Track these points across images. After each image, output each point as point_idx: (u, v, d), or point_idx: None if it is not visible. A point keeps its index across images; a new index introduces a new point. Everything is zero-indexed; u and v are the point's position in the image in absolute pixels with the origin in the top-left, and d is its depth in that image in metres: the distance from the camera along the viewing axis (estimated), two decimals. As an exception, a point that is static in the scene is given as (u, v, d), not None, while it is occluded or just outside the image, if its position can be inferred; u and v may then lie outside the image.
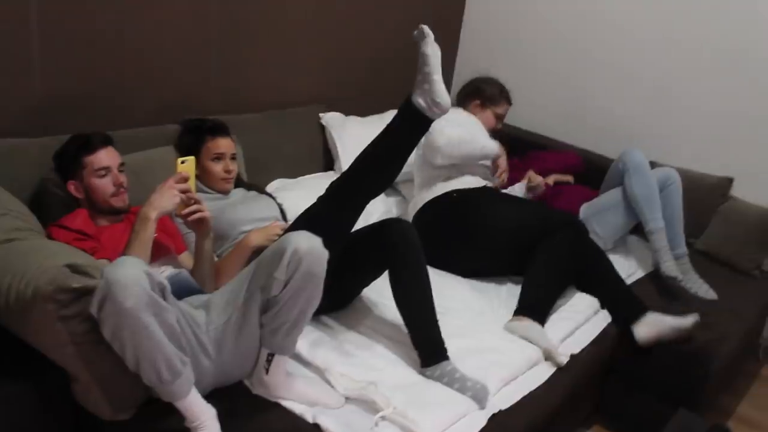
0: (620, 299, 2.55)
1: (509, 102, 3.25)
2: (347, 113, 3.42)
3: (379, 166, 2.09)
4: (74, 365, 1.56)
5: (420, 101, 2.02)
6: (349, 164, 2.13)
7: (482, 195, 2.77)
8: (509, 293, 2.57)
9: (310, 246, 1.66)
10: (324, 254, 1.69)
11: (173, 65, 2.66)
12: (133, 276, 1.42)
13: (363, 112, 3.46)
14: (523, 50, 3.97)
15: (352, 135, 3.22)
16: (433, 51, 2.01)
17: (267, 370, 1.77)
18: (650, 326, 2.44)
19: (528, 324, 2.28)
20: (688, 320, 2.39)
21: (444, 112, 2.02)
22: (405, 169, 2.18)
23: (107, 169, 2.01)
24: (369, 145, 2.10)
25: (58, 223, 1.93)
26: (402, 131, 2.08)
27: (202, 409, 1.60)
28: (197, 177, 2.20)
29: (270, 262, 1.68)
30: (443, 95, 1.99)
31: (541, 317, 2.34)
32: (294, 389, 1.80)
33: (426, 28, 2.03)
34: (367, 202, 2.10)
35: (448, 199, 2.75)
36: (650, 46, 3.48)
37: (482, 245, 2.63)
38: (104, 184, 2.01)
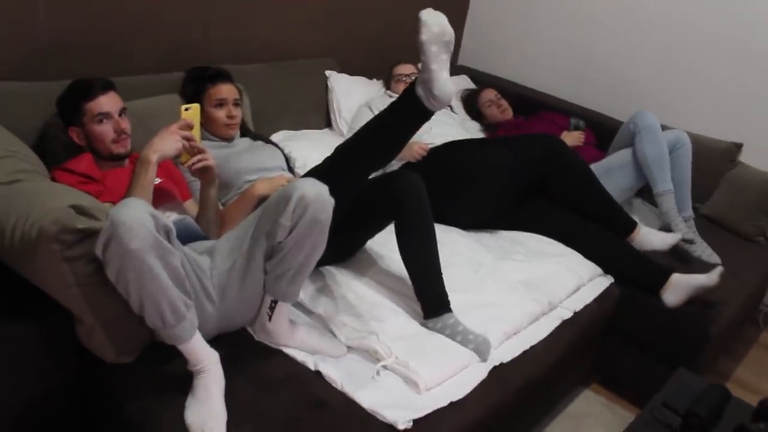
0: (641, 268, 2.54)
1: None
2: (356, 69, 3.38)
3: (378, 146, 2.03)
4: (78, 307, 1.56)
5: (420, 90, 1.89)
6: (354, 131, 2.10)
7: (453, 146, 2.78)
8: (513, 243, 2.59)
9: (317, 193, 1.65)
10: (330, 201, 1.68)
11: (180, 12, 2.63)
12: (138, 217, 1.41)
13: (372, 68, 3.41)
14: (534, 10, 3.91)
15: (354, 99, 3.22)
16: (428, 38, 1.85)
17: (270, 317, 1.77)
18: (678, 289, 2.43)
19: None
20: (713, 276, 2.40)
21: (443, 104, 1.89)
22: None
23: (107, 115, 1.97)
24: (374, 118, 2.05)
25: (63, 166, 1.92)
26: (402, 116, 1.97)
27: (206, 353, 1.61)
28: (202, 125, 2.18)
29: (276, 208, 1.67)
30: (442, 87, 1.85)
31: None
32: (296, 337, 1.81)
33: (423, 14, 1.88)
34: (370, 173, 2.07)
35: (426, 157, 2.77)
36: (662, 9, 3.43)
37: (469, 195, 2.63)
38: (105, 131, 1.98)
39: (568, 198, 2.66)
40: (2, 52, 2.17)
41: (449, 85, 1.85)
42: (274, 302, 1.76)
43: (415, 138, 2.90)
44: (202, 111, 2.29)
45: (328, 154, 2.64)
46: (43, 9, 2.22)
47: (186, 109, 1.90)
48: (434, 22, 1.84)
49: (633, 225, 2.61)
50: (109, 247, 1.42)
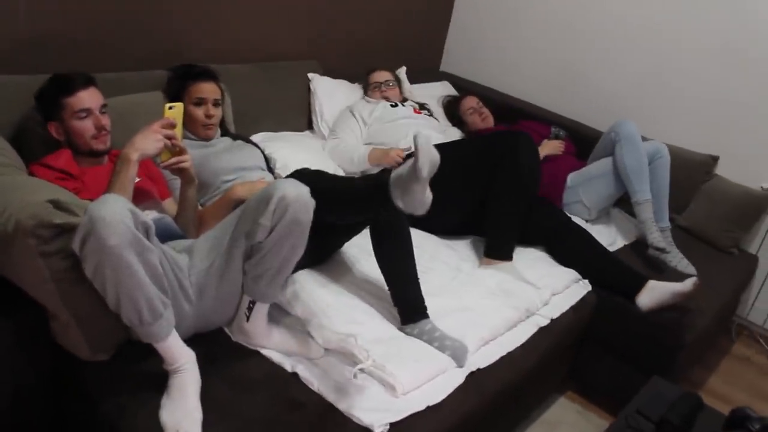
0: (618, 273, 2.57)
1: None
2: (338, 72, 3.38)
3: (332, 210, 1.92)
4: (53, 302, 1.55)
5: (395, 193, 1.74)
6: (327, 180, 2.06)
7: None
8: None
9: (298, 193, 1.65)
10: (311, 203, 1.68)
11: (166, 9, 2.61)
12: (117, 213, 1.40)
13: (355, 72, 3.41)
14: (517, 18, 3.94)
15: (336, 102, 3.23)
16: (422, 164, 1.65)
17: (248, 318, 1.76)
18: (653, 294, 2.47)
19: (501, 265, 2.37)
20: (687, 284, 2.42)
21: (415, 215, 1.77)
22: None
23: (88, 111, 1.95)
24: (340, 181, 2.02)
25: (41, 161, 1.90)
26: (367, 202, 1.88)
27: (182, 352, 1.59)
28: (183, 124, 2.16)
29: (256, 208, 1.66)
30: (420, 206, 1.72)
31: (508, 254, 2.48)
32: (274, 338, 1.80)
33: (422, 141, 1.68)
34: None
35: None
36: (644, 24, 3.47)
37: (439, 198, 2.59)
38: (84, 127, 1.95)
39: (498, 194, 2.53)
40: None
41: (428, 202, 1.74)
42: (252, 303, 1.75)
43: (392, 140, 2.92)
44: (183, 109, 2.27)
45: (308, 156, 2.64)
46: (23, 1, 2.19)
47: (170, 108, 1.89)
48: (429, 151, 1.67)
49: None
50: (87, 242, 1.41)
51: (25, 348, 1.66)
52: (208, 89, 2.32)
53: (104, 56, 2.47)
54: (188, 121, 2.30)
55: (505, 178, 2.48)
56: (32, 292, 1.56)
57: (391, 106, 3.16)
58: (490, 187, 2.51)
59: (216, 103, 2.34)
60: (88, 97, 1.95)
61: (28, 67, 2.17)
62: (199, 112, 2.31)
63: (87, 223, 1.40)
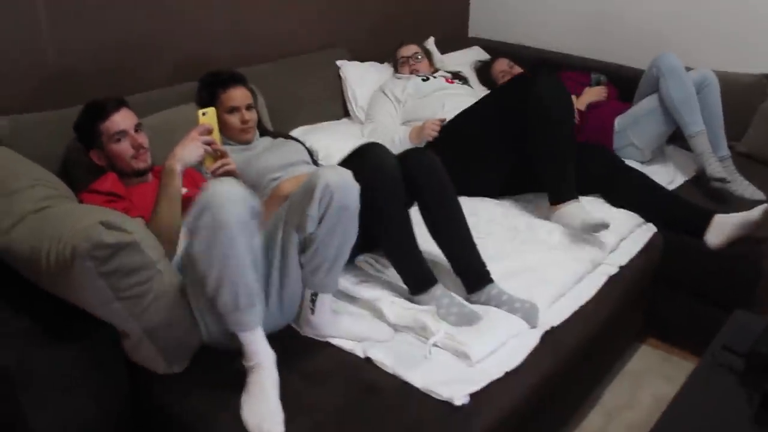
0: (682, 212, 2.48)
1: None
2: (366, 55, 3.36)
3: None
4: (123, 321, 1.57)
5: None
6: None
7: (459, 116, 2.71)
8: (541, 205, 2.53)
9: (340, 179, 1.63)
10: (355, 186, 1.66)
11: (185, 23, 2.63)
12: (235, 193, 1.45)
13: (383, 51, 3.38)
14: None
15: (368, 85, 3.21)
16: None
17: (312, 311, 1.76)
18: (721, 229, 2.36)
19: (569, 207, 2.31)
20: (756, 212, 2.31)
21: None
22: None
23: (123, 132, 1.98)
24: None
25: (89, 188, 1.93)
26: None
27: (264, 349, 1.60)
28: (220, 130, 2.17)
29: (302, 200, 1.65)
30: None
31: (572, 194, 2.37)
32: (341, 326, 1.80)
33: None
34: None
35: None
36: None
37: (475, 162, 2.58)
38: (123, 149, 1.98)
39: (537, 142, 2.44)
40: (14, 85, 2.19)
41: None
42: (315, 295, 1.75)
43: (429, 115, 2.87)
44: (218, 117, 2.28)
45: (349, 144, 2.62)
46: (47, 38, 2.23)
47: (203, 114, 1.89)
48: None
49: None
50: (201, 217, 1.45)
51: (102, 369, 1.68)
52: (239, 96, 2.32)
53: (132, 78, 2.49)
54: (226, 128, 2.31)
55: (536, 124, 2.37)
56: (99, 313, 1.58)
57: (423, 80, 3.11)
58: (526, 137, 2.41)
59: (249, 107, 2.34)
60: (122, 119, 1.98)
61: (62, 100, 2.21)
62: (234, 120, 2.31)
63: (205, 200, 1.44)
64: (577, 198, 2.37)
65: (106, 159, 2.01)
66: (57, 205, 1.71)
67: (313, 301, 1.75)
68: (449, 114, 2.79)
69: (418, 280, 1.94)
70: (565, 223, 2.32)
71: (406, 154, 2.04)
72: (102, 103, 2.00)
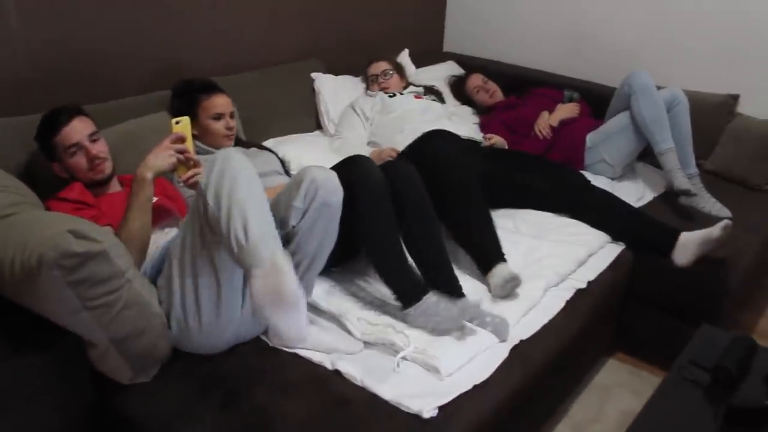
0: (648, 231, 2.49)
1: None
2: (342, 68, 3.36)
3: None
4: (89, 330, 1.55)
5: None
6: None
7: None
8: (515, 221, 2.57)
9: (327, 177, 1.71)
10: (339, 188, 1.73)
11: (157, 30, 2.61)
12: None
13: (358, 65, 3.38)
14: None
15: (341, 99, 3.20)
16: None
17: None
18: (687, 248, 2.37)
19: (499, 269, 2.11)
20: (716, 229, 2.33)
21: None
22: None
23: (77, 145, 1.94)
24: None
25: (57, 195, 1.90)
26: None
27: None
28: (195, 137, 2.16)
29: (288, 194, 1.71)
30: None
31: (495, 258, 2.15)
32: (311, 338, 1.79)
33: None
34: None
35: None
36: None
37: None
38: (77, 162, 1.95)
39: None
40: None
41: None
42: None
43: (386, 137, 2.87)
44: (197, 124, 2.27)
45: (319, 155, 2.62)
46: (20, 44, 2.20)
47: (176, 122, 1.88)
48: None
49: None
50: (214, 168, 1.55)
51: (67, 378, 1.66)
52: (223, 103, 2.32)
53: (106, 84, 2.47)
54: (207, 134, 2.30)
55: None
56: (65, 323, 1.55)
57: (389, 97, 3.11)
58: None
59: (232, 115, 2.34)
60: (73, 132, 1.94)
61: (34, 106, 2.17)
62: (219, 126, 2.31)
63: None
64: (503, 260, 2.15)
65: (66, 171, 1.98)
66: (23, 212, 1.69)
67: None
68: (407, 138, 2.75)
69: (445, 291, 1.94)
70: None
71: (386, 165, 2.05)
72: (54, 115, 1.96)
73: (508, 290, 2.04)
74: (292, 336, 1.66)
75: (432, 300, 1.87)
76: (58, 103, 2.06)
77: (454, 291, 1.97)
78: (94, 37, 2.40)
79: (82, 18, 2.34)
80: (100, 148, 1.98)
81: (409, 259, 1.99)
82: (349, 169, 1.94)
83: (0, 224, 1.60)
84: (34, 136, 2.00)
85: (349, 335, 1.84)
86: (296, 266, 1.72)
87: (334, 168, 1.99)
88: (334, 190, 1.72)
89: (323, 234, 1.74)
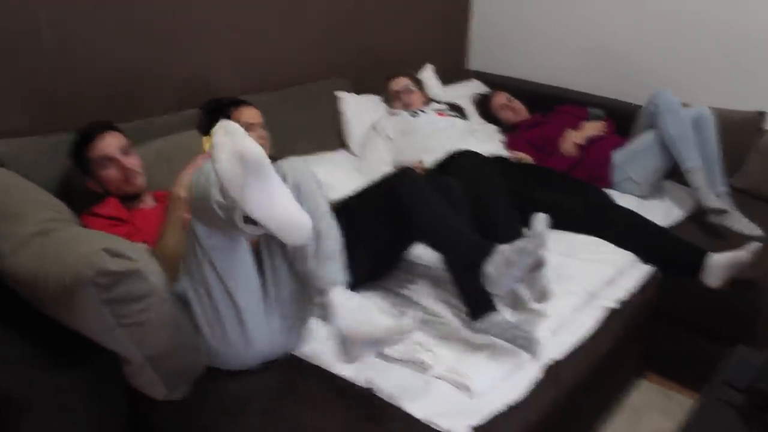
0: (675, 254, 2.45)
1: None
2: (364, 84, 3.38)
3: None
4: (124, 347, 1.56)
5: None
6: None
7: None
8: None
9: (293, 163, 1.70)
10: (308, 170, 1.71)
11: (187, 50, 2.65)
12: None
13: (381, 82, 3.40)
14: (536, 5, 3.90)
15: (364, 119, 3.21)
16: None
17: (334, 313, 1.64)
18: (717, 270, 2.33)
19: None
20: (746, 250, 2.30)
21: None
22: None
23: (109, 157, 1.98)
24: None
25: (91, 210, 1.93)
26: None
27: None
28: None
29: None
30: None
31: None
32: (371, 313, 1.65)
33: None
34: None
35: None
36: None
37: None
38: (111, 174, 1.99)
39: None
40: (19, 109, 2.20)
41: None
42: (324, 296, 1.65)
43: (410, 157, 2.87)
44: None
45: (344, 175, 2.64)
46: (53, 63, 2.24)
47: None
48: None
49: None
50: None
51: (103, 394, 1.67)
52: (252, 114, 2.36)
53: (136, 104, 2.51)
54: None
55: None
56: (101, 339, 1.57)
57: (411, 115, 3.12)
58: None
59: (263, 126, 2.36)
60: (106, 145, 1.99)
61: (69, 124, 2.21)
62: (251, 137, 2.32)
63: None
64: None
65: (100, 185, 2.01)
66: (60, 229, 1.71)
67: (327, 305, 1.65)
68: (431, 156, 2.78)
69: (477, 304, 1.92)
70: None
71: (389, 180, 2.04)
72: (87, 130, 2.01)
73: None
74: (270, 213, 1.41)
75: (497, 320, 1.88)
76: (89, 121, 2.10)
77: (487, 305, 1.94)
78: (124, 58, 2.44)
79: (112, 39, 2.39)
80: (132, 161, 2.01)
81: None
82: (395, 192, 1.96)
83: (38, 241, 1.62)
84: (68, 152, 2.04)
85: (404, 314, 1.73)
86: (303, 258, 1.66)
87: (373, 186, 2.05)
88: (302, 172, 1.68)
89: (314, 216, 1.57)
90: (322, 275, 1.66)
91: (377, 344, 1.61)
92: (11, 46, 2.14)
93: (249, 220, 1.42)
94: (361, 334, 1.57)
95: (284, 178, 1.62)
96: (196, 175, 1.52)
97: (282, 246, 1.69)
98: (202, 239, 1.57)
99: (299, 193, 1.63)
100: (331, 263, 1.67)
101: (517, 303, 2.08)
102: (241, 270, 1.64)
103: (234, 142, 1.37)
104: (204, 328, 1.65)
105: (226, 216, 1.45)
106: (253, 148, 1.37)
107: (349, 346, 1.60)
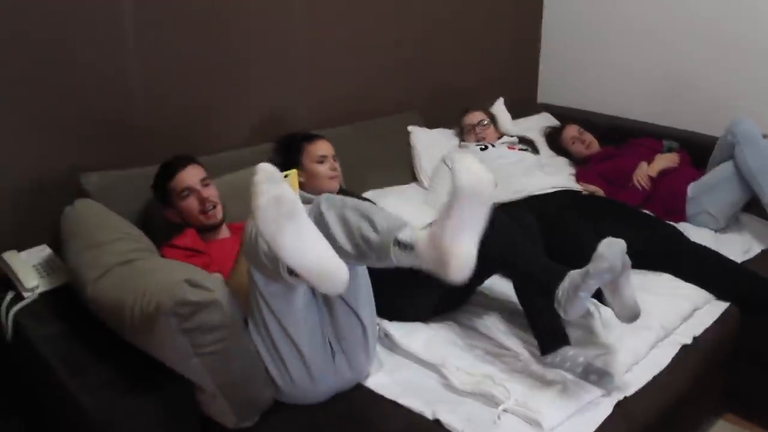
0: (753, 289, 2.35)
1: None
2: (434, 117, 3.42)
3: None
4: (199, 376, 1.60)
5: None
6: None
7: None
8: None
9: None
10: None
11: (265, 85, 2.74)
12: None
13: (451, 115, 3.43)
14: (605, 35, 3.87)
15: (435, 153, 3.24)
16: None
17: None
18: None
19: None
20: None
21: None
22: None
23: (189, 188, 2.08)
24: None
25: (170, 242, 2.01)
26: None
27: None
28: (302, 187, 2.24)
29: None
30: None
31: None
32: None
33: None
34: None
35: None
36: (735, 13, 3.32)
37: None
38: (190, 205, 2.08)
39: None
40: (105, 143, 2.32)
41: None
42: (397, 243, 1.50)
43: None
44: (303, 170, 2.36)
45: (414, 209, 2.66)
46: (140, 102, 2.36)
47: (285, 176, 1.95)
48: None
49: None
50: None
51: (176, 420, 1.72)
52: (326, 146, 2.45)
53: (212, 138, 2.60)
54: (313, 178, 2.38)
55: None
56: (178, 367, 1.62)
57: (481, 149, 3.13)
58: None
59: (335, 158, 2.43)
60: (187, 176, 2.08)
61: (149, 158, 2.31)
62: (323, 168, 2.41)
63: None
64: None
65: (179, 216, 2.09)
66: (142, 259, 1.79)
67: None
68: (501, 190, 2.78)
69: (550, 337, 1.93)
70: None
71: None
72: (171, 162, 2.12)
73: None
74: (303, 262, 1.38)
75: (570, 354, 1.88)
76: (167, 155, 2.20)
77: (559, 338, 1.93)
78: (204, 94, 2.55)
79: (193, 74, 2.50)
80: (211, 192, 2.10)
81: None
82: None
83: (122, 270, 1.70)
84: (150, 184, 2.14)
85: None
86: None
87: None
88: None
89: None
90: None
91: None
92: (100, 84, 2.26)
93: (293, 272, 1.43)
94: None
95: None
96: (248, 225, 1.57)
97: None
98: (260, 286, 1.61)
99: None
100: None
101: (591, 337, 2.05)
102: (300, 315, 1.67)
103: (272, 187, 1.38)
104: (270, 369, 1.69)
105: (272, 266, 1.49)
106: (289, 192, 1.38)
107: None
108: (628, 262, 1.79)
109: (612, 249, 1.71)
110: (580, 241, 2.33)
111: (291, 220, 1.37)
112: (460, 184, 1.39)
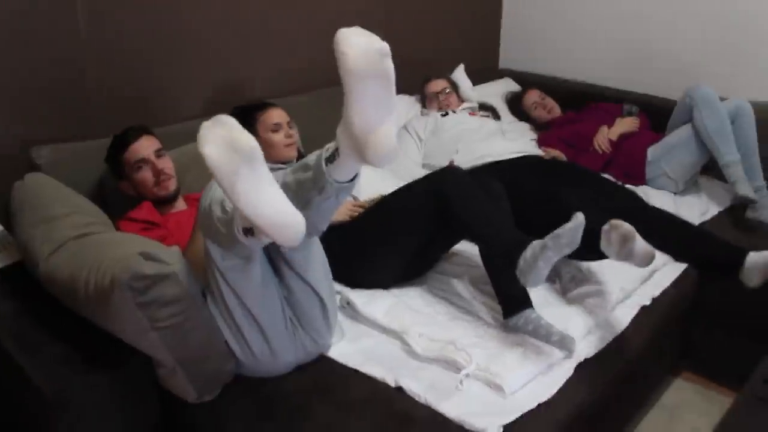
0: (713, 253, 2.35)
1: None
2: (397, 87, 3.36)
3: None
4: (157, 350, 1.58)
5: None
6: None
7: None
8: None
9: None
10: None
11: (220, 55, 2.68)
12: None
13: (412, 82, 3.40)
14: (567, 1, 3.86)
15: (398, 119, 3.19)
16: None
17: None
18: (755, 269, 2.21)
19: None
20: None
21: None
22: None
23: (143, 160, 2.03)
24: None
25: (126, 216, 1.97)
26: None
27: None
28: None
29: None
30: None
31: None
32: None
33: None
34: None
35: None
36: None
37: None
38: (144, 176, 2.03)
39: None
40: (56, 115, 2.25)
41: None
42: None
43: (443, 158, 2.88)
44: (260, 140, 2.31)
45: (376, 174, 2.64)
46: (92, 74, 2.29)
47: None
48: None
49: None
50: None
51: (135, 395, 1.70)
52: (278, 114, 2.38)
53: (166, 109, 2.54)
54: (269, 148, 2.33)
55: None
56: (135, 342, 1.60)
57: (442, 115, 3.12)
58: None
59: (290, 125, 2.39)
60: (140, 147, 2.03)
61: (102, 131, 2.25)
62: (279, 137, 2.35)
63: None
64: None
65: (134, 189, 2.05)
66: (97, 233, 1.75)
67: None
68: (462, 157, 2.81)
69: (513, 300, 1.94)
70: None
71: (431, 177, 2.08)
72: (123, 134, 2.06)
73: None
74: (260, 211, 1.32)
75: (533, 316, 1.90)
76: (122, 127, 2.14)
77: (523, 301, 1.95)
78: (158, 63, 2.48)
79: (146, 44, 2.43)
80: (165, 164, 2.05)
81: None
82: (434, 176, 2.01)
83: (76, 244, 1.66)
84: (103, 158, 2.08)
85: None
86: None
87: (415, 184, 2.08)
88: None
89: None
90: None
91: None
92: (51, 55, 2.19)
93: (248, 231, 1.40)
94: None
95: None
96: (202, 196, 1.53)
97: (286, 257, 1.67)
98: (217, 261, 1.57)
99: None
100: None
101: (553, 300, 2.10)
102: (258, 289, 1.64)
103: (228, 132, 1.34)
104: (230, 343, 1.67)
105: (227, 231, 1.45)
106: (247, 137, 1.32)
107: None
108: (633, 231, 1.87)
109: (572, 225, 1.71)
110: (543, 205, 2.34)
111: (251, 166, 1.31)
112: (347, 67, 1.36)
